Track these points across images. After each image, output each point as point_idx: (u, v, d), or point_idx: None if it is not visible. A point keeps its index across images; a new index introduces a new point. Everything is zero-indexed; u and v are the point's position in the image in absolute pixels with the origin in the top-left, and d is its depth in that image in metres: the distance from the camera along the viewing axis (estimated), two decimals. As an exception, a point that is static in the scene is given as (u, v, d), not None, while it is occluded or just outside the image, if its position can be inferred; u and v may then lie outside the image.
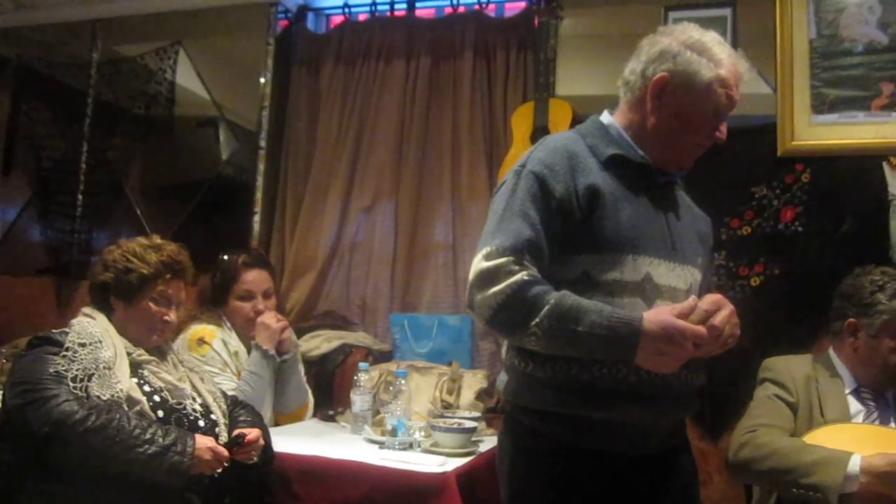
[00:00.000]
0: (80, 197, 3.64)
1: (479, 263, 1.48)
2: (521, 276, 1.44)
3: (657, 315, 1.41)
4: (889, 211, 2.55)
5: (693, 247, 1.65)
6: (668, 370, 1.41)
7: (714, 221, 1.82)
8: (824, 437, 1.89)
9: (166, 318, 2.04)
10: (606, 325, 1.39)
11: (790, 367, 2.12)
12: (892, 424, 2.03)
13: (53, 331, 1.95)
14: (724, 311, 1.43)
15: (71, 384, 1.81)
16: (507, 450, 1.63)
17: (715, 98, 1.55)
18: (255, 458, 1.97)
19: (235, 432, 1.95)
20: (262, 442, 1.98)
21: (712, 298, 1.45)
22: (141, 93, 3.61)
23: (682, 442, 1.67)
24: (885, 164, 2.57)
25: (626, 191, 1.56)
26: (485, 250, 1.48)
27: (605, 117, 1.67)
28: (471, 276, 1.50)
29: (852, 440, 1.86)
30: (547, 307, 1.42)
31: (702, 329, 1.39)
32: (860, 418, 2.03)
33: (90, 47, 3.70)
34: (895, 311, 2.01)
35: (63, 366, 1.84)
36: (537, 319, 1.42)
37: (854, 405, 2.05)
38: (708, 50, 1.56)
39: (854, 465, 1.75)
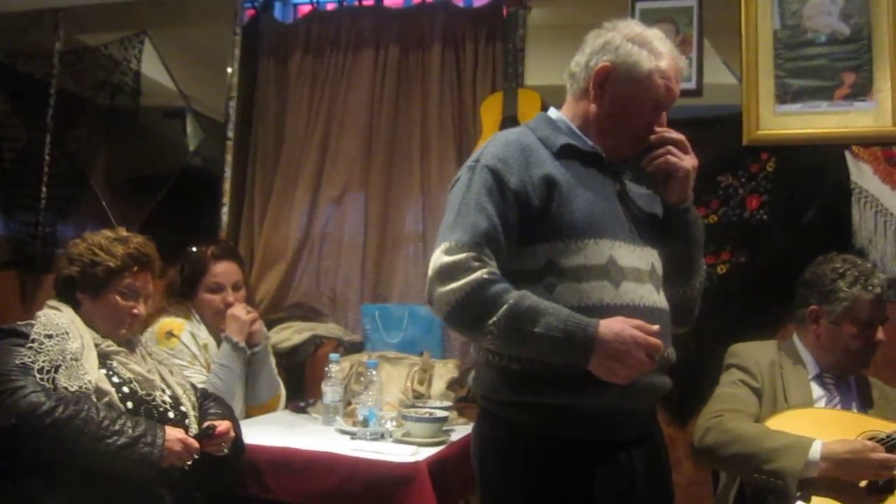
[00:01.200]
0: (43, 189, 3.58)
1: (439, 258, 1.50)
2: (481, 273, 1.46)
3: (613, 322, 1.44)
4: (851, 199, 2.60)
5: (650, 228, 1.67)
6: (620, 381, 1.44)
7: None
8: (787, 422, 1.92)
9: (134, 311, 2.01)
10: (562, 328, 1.42)
11: (755, 353, 2.15)
12: (854, 409, 2.07)
13: (18, 323, 1.93)
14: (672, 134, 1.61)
15: (38, 376, 1.79)
16: (480, 444, 1.64)
17: (655, 88, 1.59)
18: (226, 450, 1.96)
19: (205, 424, 1.94)
20: (232, 434, 1.98)
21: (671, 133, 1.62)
22: (105, 83, 3.55)
23: (654, 426, 1.70)
24: (847, 153, 2.62)
25: (581, 178, 1.58)
26: (444, 245, 1.51)
27: (553, 112, 1.71)
28: (430, 270, 1.52)
29: (814, 424, 1.89)
30: (505, 307, 1.44)
31: (656, 341, 1.43)
32: (822, 403, 2.07)
33: (52, 36, 3.63)
34: (855, 298, 2.04)
35: (29, 357, 1.81)
36: (494, 318, 1.45)
37: (817, 390, 2.09)
38: (649, 43, 1.60)
39: (815, 451, 1.78)
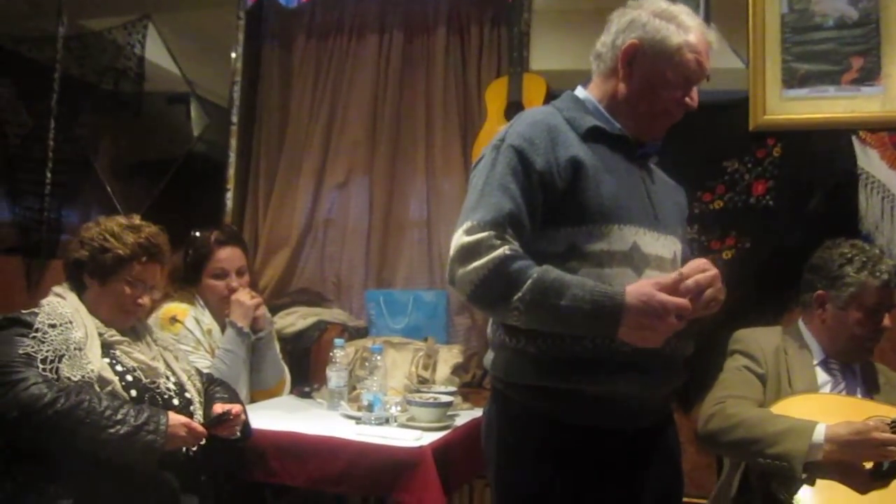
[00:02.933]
0: (48, 175, 3.58)
1: (459, 238, 1.47)
2: (503, 250, 1.42)
3: (639, 288, 1.40)
4: (858, 185, 2.58)
5: (673, 217, 1.65)
6: (651, 345, 1.40)
7: (686, 195, 1.83)
8: (792, 408, 1.92)
9: (139, 301, 2.01)
10: (589, 299, 1.39)
11: (760, 339, 2.14)
12: (858, 395, 2.07)
13: (23, 311, 1.92)
14: (708, 273, 1.44)
15: (41, 366, 1.79)
16: (495, 427, 1.61)
17: (685, 63, 1.56)
18: (238, 433, 1.97)
19: (220, 409, 1.94)
20: (243, 417, 1.98)
21: (697, 262, 1.46)
22: (109, 68, 3.54)
23: (669, 416, 1.68)
24: (854, 139, 2.60)
25: (606, 162, 1.56)
26: (465, 225, 1.47)
27: (580, 92, 1.67)
28: (452, 251, 1.48)
29: (819, 410, 1.89)
30: (530, 281, 1.41)
31: (684, 301, 1.38)
32: (827, 389, 2.06)
33: (56, 21, 3.61)
34: (862, 284, 2.03)
35: (33, 347, 1.82)
36: (520, 294, 1.41)
37: (822, 376, 2.09)
38: (676, 17, 1.57)
39: (819, 434, 1.78)
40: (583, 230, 1.50)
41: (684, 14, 1.58)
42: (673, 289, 1.39)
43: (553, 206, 1.51)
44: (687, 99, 1.59)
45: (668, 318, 1.38)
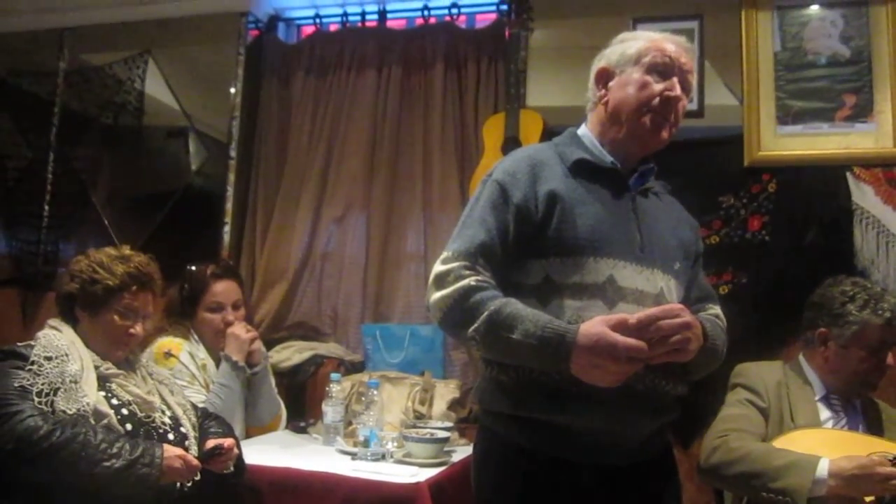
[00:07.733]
0: (46, 207, 3.59)
1: (436, 267, 1.55)
2: (468, 281, 1.49)
3: (592, 327, 1.41)
4: (853, 220, 2.60)
5: (670, 252, 1.63)
6: (604, 384, 1.41)
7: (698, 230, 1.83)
8: (794, 442, 1.90)
9: (131, 331, 1.99)
10: (539, 335, 1.42)
11: (762, 373, 2.14)
12: (860, 430, 2.06)
13: (18, 344, 1.91)
14: (678, 319, 1.42)
15: (36, 399, 1.78)
16: (475, 453, 1.67)
17: (650, 62, 1.61)
18: (231, 468, 1.95)
19: (212, 444, 1.93)
20: (236, 451, 1.96)
21: (668, 307, 1.45)
22: (109, 102, 3.57)
23: (657, 456, 1.63)
24: (848, 174, 2.62)
25: (592, 195, 1.58)
26: (443, 255, 1.56)
27: (581, 129, 1.72)
28: (430, 278, 1.56)
29: (821, 445, 1.88)
30: (486, 314, 1.46)
31: (636, 343, 1.38)
32: (829, 424, 2.05)
33: (57, 56, 3.66)
34: (865, 322, 2.03)
35: (28, 380, 1.80)
36: (476, 325, 1.47)
37: (824, 412, 2.08)
38: (636, 37, 1.67)
39: (822, 469, 1.77)
40: (557, 262, 1.53)
41: (647, 33, 1.69)
42: (633, 329, 1.39)
43: (530, 238, 1.55)
44: (668, 92, 1.60)
45: (618, 358, 1.38)
